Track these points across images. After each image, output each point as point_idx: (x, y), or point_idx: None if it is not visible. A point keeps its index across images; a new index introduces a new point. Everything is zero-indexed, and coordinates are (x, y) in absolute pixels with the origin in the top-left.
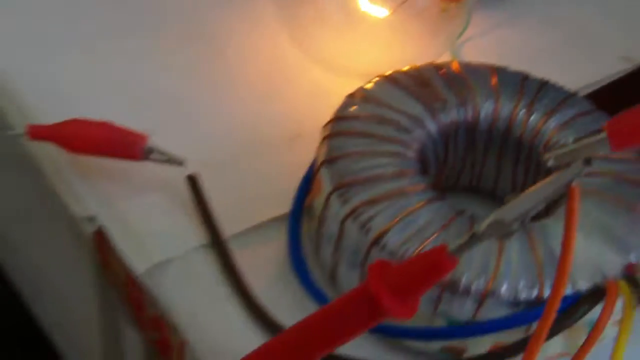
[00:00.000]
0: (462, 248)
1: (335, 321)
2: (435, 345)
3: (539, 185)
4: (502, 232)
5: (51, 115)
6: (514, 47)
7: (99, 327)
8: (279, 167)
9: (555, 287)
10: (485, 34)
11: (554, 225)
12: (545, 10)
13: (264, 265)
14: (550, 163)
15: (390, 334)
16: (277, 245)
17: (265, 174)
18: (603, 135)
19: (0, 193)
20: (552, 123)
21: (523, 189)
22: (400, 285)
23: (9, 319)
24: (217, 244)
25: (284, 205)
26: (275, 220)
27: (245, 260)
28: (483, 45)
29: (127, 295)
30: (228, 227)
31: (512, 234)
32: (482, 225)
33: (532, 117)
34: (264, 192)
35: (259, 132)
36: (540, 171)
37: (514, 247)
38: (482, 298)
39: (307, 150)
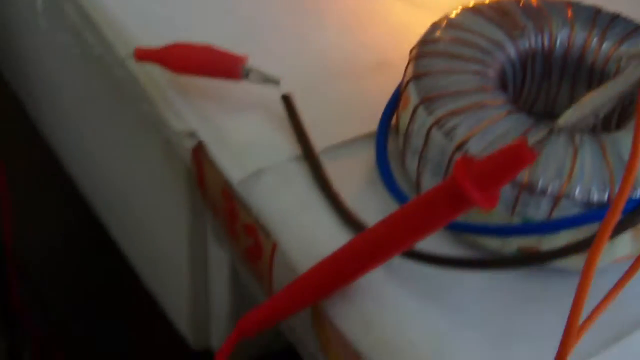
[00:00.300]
0: (541, 142)
1: (421, 212)
2: (512, 245)
3: (612, 81)
4: (577, 127)
5: (149, 40)
6: None
7: (187, 248)
8: (366, 90)
9: (623, 184)
10: None
11: (625, 137)
12: None
13: (352, 176)
14: (622, 55)
15: (470, 231)
16: (365, 158)
17: (354, 96)
18: None
19: (95, 122)
20: (623, 50)
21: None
22: (484, 177)
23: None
24: (309, 156)
25: (372, 124)
26: (363, 137)
27: (335, 171)
28: None
29: (221, 208)
30: (319, 142)
31: (587, 129)
32: (560, 121)
33: (604, 45)
34: (353, 111)
35: (347, 59)
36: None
37: (587, 153)
38: (557, 199)
39: (393, 76)
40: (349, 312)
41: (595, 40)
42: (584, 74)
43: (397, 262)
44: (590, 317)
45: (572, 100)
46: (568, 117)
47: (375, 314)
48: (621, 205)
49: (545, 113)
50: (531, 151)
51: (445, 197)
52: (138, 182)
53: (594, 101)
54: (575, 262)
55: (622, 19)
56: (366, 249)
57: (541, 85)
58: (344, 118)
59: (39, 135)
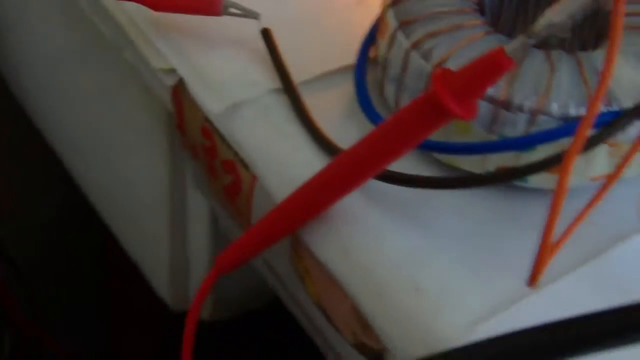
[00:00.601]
0: (517, 50)
1: (399, 127)
2: (490, 165)
3: None
4: (554, 35)
5: None
6: None
7: (167, 201)
8: (346, 24)
9: (595, 96)
10: None
11: (601, 55)
12: None
13: (332, 108)
14: None
15: (448, 151)
16: (344, 90)
17: (333, 31)
18: None
19: (74, 76)
20: None
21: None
22: (462, 87)
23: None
24: (288, 88)
25: (351, 57)
26: (343, 70)
27: (315, 103)
28: None
29: (201, 148)
30: (298, 75)
31: (563, 41)
32: (535, 27)
33: None
34: (332, 45)
35: None
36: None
37: (564, 69)
38: (534, 115)
39: (372, 11)
40: (326, 237)
41: None
42: None
43: (374, 185)
44: (564, 235)
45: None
46: (544, 20)
47: (352, 238)
48: (592, 117)
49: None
50: (509, 58)
51: (424, 109)
52: (118, 136)
53: (570, 4)
54: (552, 180)
55: None
56: (344, 170)
57: (519, 11)
58: (323, 52)
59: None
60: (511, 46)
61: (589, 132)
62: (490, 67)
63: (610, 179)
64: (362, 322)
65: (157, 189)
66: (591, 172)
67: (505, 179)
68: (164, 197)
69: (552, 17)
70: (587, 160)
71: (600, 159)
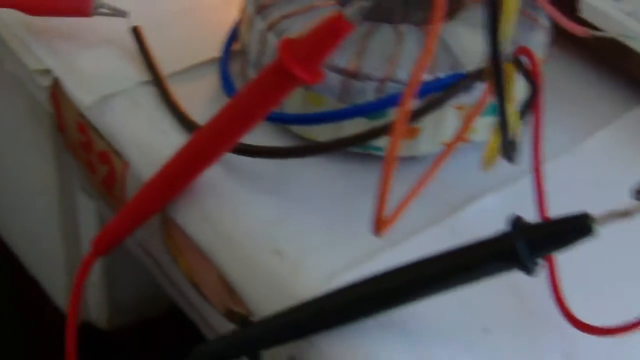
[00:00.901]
0: (355, 14)
1: (251, 97)
2: (343, 135)
3: None
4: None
5: None
6: None
7: (57, 201)
8: (214, 22)
9: (418, 62)
10: None
11: (449, 27)
12: None
13: (199, 97)
14: None
15: (297, 122)
16: (211, 80)
17: (202, 27)
18: None
19: None
20: None
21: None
22: (306, 52)
23: None
24: (157, 80)
25: (216, 51)
26: (210, 62)
27: (183, 94)
28: None
29: (78, 143)
30: (167, 69)
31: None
32: None
33: None
34: (200, 41)
35: None
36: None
37: (411, 40)
38: (382, 83)
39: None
40: (191, 210)
41: None
42: None
43: (233, 159)
44: (405, 201)
45: (406, 12)
46: None
47: (215, 209)
48: (416, 83)
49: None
50: (347, 22)
51: (272, 77)
52: (6, 147)
53: None
54: (403, 147)
55: None
56: (201, 145)
57: None
58: (192, 46)
59: None
60: (349, 10)
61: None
62: (331, 31)
63: (453, 142)
64: (229, 289)
65: (46, 196)
66: (442, 137)
67: (350, 144)
68: (54, 203)
69: None
70: (437, 126)
71: (450, 124)
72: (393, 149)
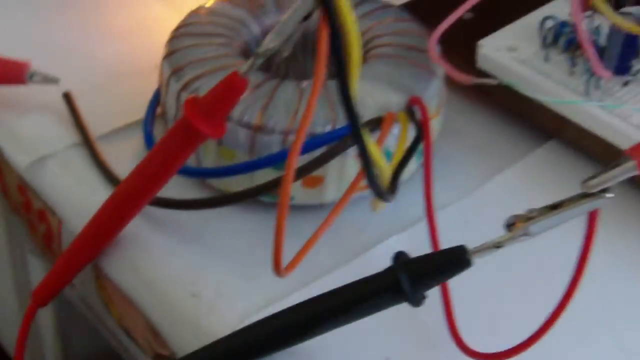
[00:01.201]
0: (248, 69)
1: (162, 153)
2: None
3: (293, 8)
4: (279, 54)
5: None
6: None
7: (8, 265)
8: (142, 87)
9: (302, 120)
10: None
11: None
12: None
13: (126, 156)
14: None
15: (207, 175)
16: (137, 140)
17: (131, 92)
18: None
19: None
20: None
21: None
22: (209, 108)
23: None
24: (87, 141)
25: (142, 114)
26: (135, 124)
27: (111, 152)
28: None
29: (20, 205)
30: (96, 131)
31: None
32: (259, 49)
33: None
34: (128, 104)
35: (126, 62)
36: None
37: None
38: (286, 135)
39: None
40: (118, 260)
41: None
42: None
43: (157, 211)
44: (307, 245)
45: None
46: (265, 44)
47: (140, 259)
48: (300, 141)
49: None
50: (242, 79)
51: (180, 133)
52: None
53: (284, 25)
54: (313, 195)
55: None
56: (121, 200)
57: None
58: (119, 110)
59: None
60: (242, 68)
61: (297, 157)
62: (228, 88)
63: (351, 188)
64: (154, 333)
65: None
66: (346, 184)
67: (256, 194)
68: (5, 262)
69: (270, 41)
70: (340, 175)
71: (352, 172)
72: (284, 197)
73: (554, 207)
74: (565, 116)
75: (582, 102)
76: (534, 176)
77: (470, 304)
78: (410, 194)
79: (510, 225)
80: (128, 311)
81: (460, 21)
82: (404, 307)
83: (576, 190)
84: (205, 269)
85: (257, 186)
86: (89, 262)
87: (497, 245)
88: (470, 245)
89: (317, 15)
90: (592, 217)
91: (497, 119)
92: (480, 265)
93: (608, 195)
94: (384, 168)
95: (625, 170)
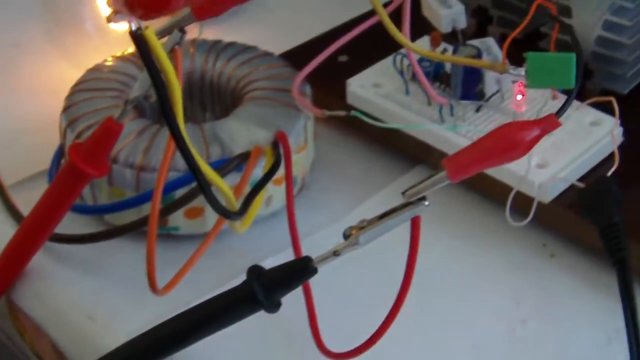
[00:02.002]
0: (122, 115)
1: (53, 195)
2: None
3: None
4: (146, 101)
5: None
6: None
7: None
8: (46, 139)
9: (163, 160)
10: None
11: (223, 122)
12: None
13: (34, 201)
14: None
15: (96, 212)
16: (44, 187)
17: (36, 142)
18: (187, 10)
19: None
20: (233, 64)
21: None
22: (90, 151)
23: None
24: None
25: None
26: (42, 173)
27: (22, 200)
28: None
29: None
30: (8, 178)
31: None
32: (129, 96)
33: (217, 63)
34: (36, 154)
35: (32, 118)
36: (235, 103)
37: (188, 135)
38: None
39: None
40: (27, 292)
41: (210, 62)
42: (208, 91)
43: (59, 247)
44: (185, 267)
45: (204, 115)
46: (134, 91)
47: (46, 289)
48: (162, 178)
49: None
50: (116, 124)
51: (67, 175)
52: None
53: (145, 76)
54: (195, 225)
55: (235, 44)
56: (22, 238)
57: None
58: (28, 161)
59: None
60: (115, 114)
61: (162, 188)
62: (106, 132)
63: (219, 220)
64: (59, 354)
65: None
66: None
67: (142, 224)
68: None
69: (136, 90)
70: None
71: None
72: (152, 224)
73: (382, 216)
74: (428, 143)
75: (420, 126)
76: (401, 199)
77: (331, 307)
78: (284, 220)
79: (347, 236)
80: (38, 337)
81: (336, 64)
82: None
83: (438, 213)
84: (101, 294)
85: (140, 219)
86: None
87: (336, 253)
88: (340, 269)
89: None
90: (414, 223)
91: (369, 150)
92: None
93: (425, 203)
94: (226, 191)
95: (438, 180)
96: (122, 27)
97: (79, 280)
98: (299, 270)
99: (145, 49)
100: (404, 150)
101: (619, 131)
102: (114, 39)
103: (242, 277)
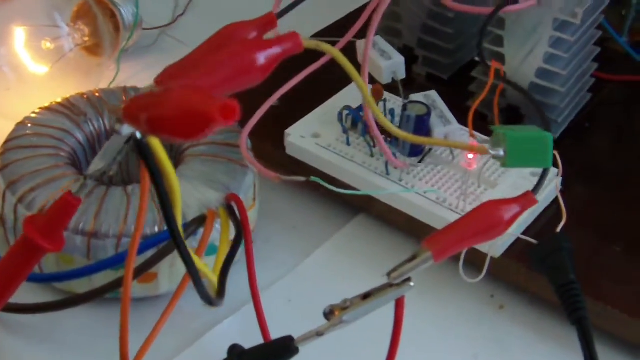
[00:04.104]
0: (79, 190)
1: (6, 268)
2: (97, 285)
3: (110, 141)
4: (104, 175)
5: None
6: None
7: None
8: None
9: (137, 221)
10: (134, 76)
11: None
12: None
13: None
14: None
15: (51, 280)
16: None
17: None
18: (152, 84)
19: None
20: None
21: None
22: (47, 225)
23: None
24: None
25: None
26: None
27: None
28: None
29: None
30: None
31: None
32: (89, 170)
33: None
34: None
35: None
36: (176, 160)
37: (137, 198)
38: (119, 239)
39: None
40: None
41: None
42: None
43: (6, 316)
44: (151, 336)
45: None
46: (93, 166)
47: None
48: (134, 246)
49: (127, 182)
50: (75, 198)
51: (21, 249)
52: None
53: (108, 149)
54: (148, 289)
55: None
56: None
57: (115, 160)
58: None
59: None
60: (73, 188)
61: (141, 251)
62: (64, 206)
63: (184, 281)
64: None
65: None
66: (178, 276)
67: (99, 294)
68: None
69: (98, 164)
70: (172, 268)
71: (182, 265)
72: (125, 301)
73: (365, 296)
74: (372, 195)
75: (387, 191)
76: (346, 249)
77: None
78: (236, 277)
79: (328, 314)
80: None
81: (270, 109)
82: None
83: (383, 261)
84: None
85: (102, 287)
86: None
87: (319, 334)
88: (295, 325)
89: None
90: (399, 304)
91: (310, 199)
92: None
93: (411, 284)
94: (212, 280)
95: (423, 261)
96: (42, 70)
97: (31, 350)
98: (281, 351)
99: (148, 156)
100: (346, 200)
101: (559, 181)
102: (33, 84)
103: (202, 341)
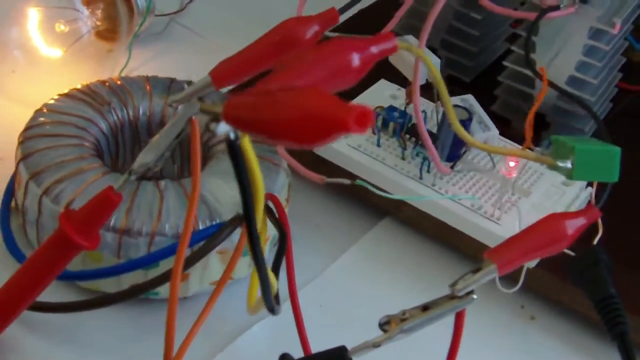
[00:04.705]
0: (123, 185)
1: (39, 262)
2: (124, 285)
3: (166, 127)
4: (152, 169)
5: None
6: (168, 72)
7: None
8: None
9: (187, 220)
10: (145, 64)
11: (203, 178)
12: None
13: None
14: (169, 102)
15: (83, 278)
16: None
17: None
18: (207, 78)
19: None
20: (170, 98)
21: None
22: (84, 222)
23: None
24: None
25: None
26: None
27: None
28: (144, 73)
29: None
30: None
31: (157, 173)
32: (134, 165)
33: (180, 107)
34: None
35: None
36: (205, 155)
37: (171, 195)
38: (152, 237)
39: (10, 169)
40: None
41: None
42: None
43: (33, 315)
44: (188, 338)
45: (173, 167)
46: (139, 160)
47: None
48: (187, 238)
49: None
50: (117, 194)
51: (56, 246)
52: None
53: (158, 143)
54: (179, 291)
55: (195, 84)
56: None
57: (133, 151)
58: None
59: None
60: (117, 184)
61: (186, 249)
62: (103, 203)
63: (220, 284)
64: None
65: None
66: (209, 278)
67: (132, 295)
68: None
69: (144, 158)
70: (203, 270)
71: (214, 267)
72: (172, 303)
73: (425, 308)
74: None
75: (439, 197)
76: (373, 253)
77: None
78: None
79: (384, 324)
80: None
81: None
82: None
83: (412, 267)
84: None
85: (136, 286)
86: None
87: (375, 345)
88: (329, 330)
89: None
90: (459, 317)
91: (335, 200)
92: None
93: (473, 296)
94: (274, 286)
95: (487, 273)
96: (55, 53)
97: (54, 351)
98: None
99: (239, 158)
100: (372, 203)
101: (591, 192)
102: (45, 68)
103: (234, 345)
